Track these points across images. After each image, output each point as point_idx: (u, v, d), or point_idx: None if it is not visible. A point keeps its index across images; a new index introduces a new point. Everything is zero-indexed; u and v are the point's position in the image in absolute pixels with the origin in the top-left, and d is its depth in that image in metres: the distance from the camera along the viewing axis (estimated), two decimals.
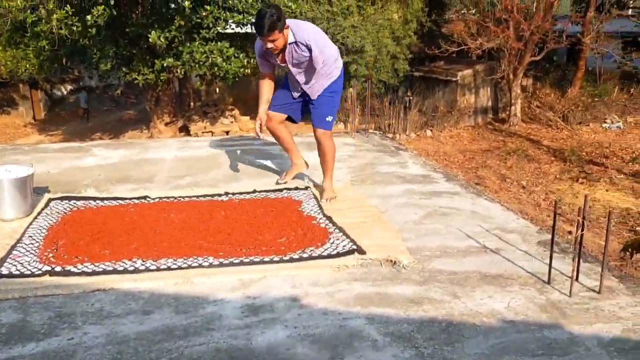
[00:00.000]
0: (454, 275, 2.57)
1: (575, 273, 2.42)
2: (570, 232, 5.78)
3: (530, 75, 14.05)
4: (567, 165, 9.50)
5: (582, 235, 2.35)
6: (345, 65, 11.59)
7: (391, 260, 2.69)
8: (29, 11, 8.10)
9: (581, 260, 2.53)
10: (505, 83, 12.72)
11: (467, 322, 2.18)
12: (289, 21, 3.40)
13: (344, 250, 2.77)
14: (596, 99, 13.20)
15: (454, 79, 13.01)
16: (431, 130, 12.22)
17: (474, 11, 13.49)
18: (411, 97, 12.64)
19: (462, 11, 14.15)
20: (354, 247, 2.80)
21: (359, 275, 2.58)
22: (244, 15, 9.09)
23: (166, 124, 11.42)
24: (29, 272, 2.52)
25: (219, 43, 9.14)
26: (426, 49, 12.97)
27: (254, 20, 3.40)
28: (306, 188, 3.83)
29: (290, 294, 2.39)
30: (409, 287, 2.45)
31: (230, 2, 8.93)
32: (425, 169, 4.39)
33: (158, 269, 2.57)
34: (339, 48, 11.62)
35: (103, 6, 7.77)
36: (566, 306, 2.31)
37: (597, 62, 14.00)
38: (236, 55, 9.42)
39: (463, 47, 12.13)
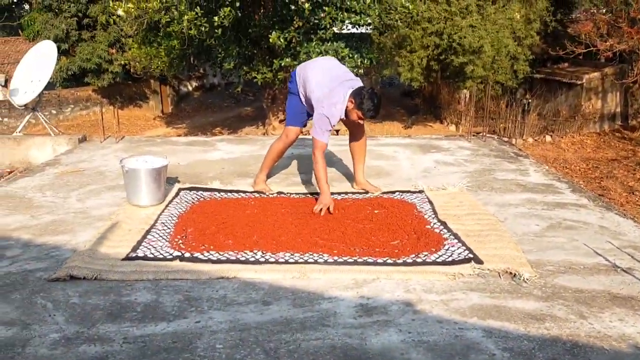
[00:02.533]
0: (579, 293, 2.42)
1: None
2: None
3: None
4: None
5: None
6: (461, 65, 11.31)
7: (511, 273, 2.58)
8: (163, 12, 8.75)
9: None
10: (637, 88, 11.69)
11: (594, 344, 2.05)
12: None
13: (459, 258, 2.71)
14: None
15: (579, 82, 12.18)
16: (551, 135, 11.55)
17: (604, 10, 12.52)
18: (530, 100, 12.02)
19: (592, 10, 13.19)
20: (471, 255, 2.73)
21: (476, 285, 2.51)
22: (360, 16, 9.15)
23: (280, 121, 11.81)
24: (161, 257, 2.73)
25: (334, 43, 9.29)
26: (549, 50, 12.29)
27: (372, 103, 3.36)
28: (420, 191, 3.78)
29: (403, 299, 2.38)
30: (530, 303, 2.34)
31: (347, 3, 9.04)
32: (547, 178, 4.17)
33: (277, 262, 2.68)
34: (455, 48, 11.35)
35: (229, 8, 8.21)
36: None
37: None
38: (350, 55, 9.51)
39: (591, 48, 11.30)
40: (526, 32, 11.96)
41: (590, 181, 8.80)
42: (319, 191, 3.76)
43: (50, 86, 15.46)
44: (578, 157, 10.32)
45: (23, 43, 16.48)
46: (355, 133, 3.83)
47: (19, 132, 6.43)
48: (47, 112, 15.53)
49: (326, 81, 3.51)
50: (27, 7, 19.70)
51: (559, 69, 13.12)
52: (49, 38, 13.69)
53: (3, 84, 15.73)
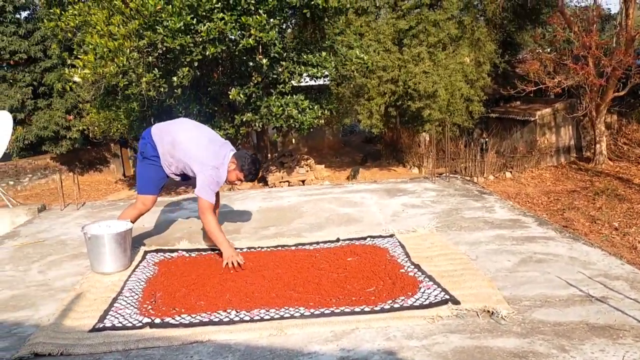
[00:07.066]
0: (558, 326, 2.42)
1: None
2: None
3: (615, 111, 13.43)
4: None
5: None
6: (418, 110, 11.64)
7: (488, 311, 2.57)
8: (120, 76, 8.76)
9: None
10: (587, 121, 12.23)
11: None
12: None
13: (436, 300, 2.69)
14: None
15: (532, 119, 12.67)
16: (511, 171, 11.85)
17: (549, 50, 13.20)
18: (487, 139, 12.38)
19: (537, 50, 13.88)
20: (447, 296, 2.71)
21: (455, 327, 2.48)
22: (317, 69, 9.37)
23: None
24: (130, 325, 2.61)
25: (294, 96, 9.44)
26: (501, 90, 12.78)
27: (255, 167, 3.47)
28: (391, 235, 3.78)
29: (384, 347, 2.33)
30: (511, 340, 2.32)
31: (304, 57, 9.26)
32: (513, 213, 4.23)
33: (252, 320, 2.59)
34: (411, 94, 11.70)
35: (187, 68, 8.28)
36: None
37: None
38: (310, 107, 9.67)
39: (540, 86, 11.82)
40: (477, 75, 12.45)
41: (554, 213, 9.00)
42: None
43: (6, 157, 15.14)
44: (539, 191, 10.58)
45: None
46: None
47: None
48: (4, 184, 15.13)
49: (205, 142, 3.47)
50: None
51: (512, 107, 13.64)
52: (4, 109, 13.50)
53: None
